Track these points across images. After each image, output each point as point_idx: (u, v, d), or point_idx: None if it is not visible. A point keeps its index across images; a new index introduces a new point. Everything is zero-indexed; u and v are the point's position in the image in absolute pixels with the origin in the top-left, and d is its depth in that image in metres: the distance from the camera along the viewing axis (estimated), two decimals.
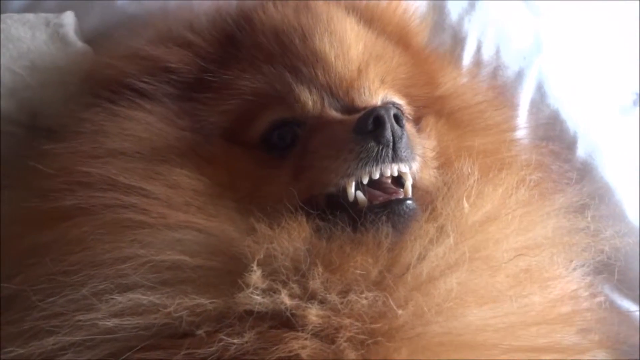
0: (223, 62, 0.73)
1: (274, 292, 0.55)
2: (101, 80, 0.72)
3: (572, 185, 0.88)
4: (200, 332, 0.54)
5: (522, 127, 0.96)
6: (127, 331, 0.55)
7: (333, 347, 0.54)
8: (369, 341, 0.54)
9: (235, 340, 0.53)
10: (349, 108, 0.69)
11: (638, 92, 1.22)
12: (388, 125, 0.62)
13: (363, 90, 0.71)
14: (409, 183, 0.64)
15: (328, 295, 0.55)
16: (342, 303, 0.56)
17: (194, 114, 0.70)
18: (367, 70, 0.72)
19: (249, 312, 0.55)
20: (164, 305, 0.55)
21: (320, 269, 0.57)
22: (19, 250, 0.64)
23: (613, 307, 0.88)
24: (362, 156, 0.61)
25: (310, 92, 0.69)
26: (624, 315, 0.88)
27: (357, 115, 0.65)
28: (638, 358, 0.86)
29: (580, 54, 1.09)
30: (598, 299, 0.77)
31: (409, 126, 0.67)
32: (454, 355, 0.56)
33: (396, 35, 0.82)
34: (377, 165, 0.61)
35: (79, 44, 0.79)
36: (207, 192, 0.64)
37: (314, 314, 0.55)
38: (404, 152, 0.62)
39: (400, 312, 0.55)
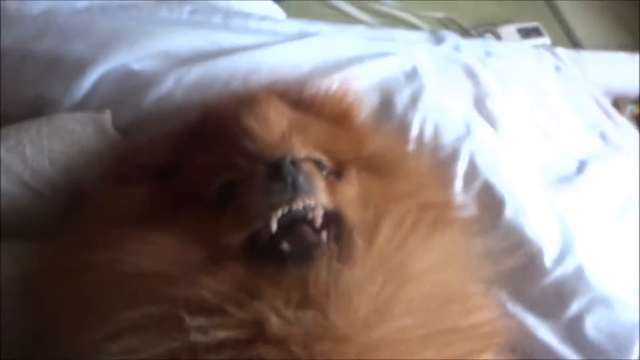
0: (185, 150, 0.93)
1: (210, 329, 0.65)
2: (108, 169, 0.95)
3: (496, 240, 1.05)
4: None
5: (459, 194, 1.14)
6: None
7: (289, 350, 0.64)
8: (315, 345, 0.65)
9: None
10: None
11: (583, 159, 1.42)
12: (285, 168, 0.75)
13: (287, 152, 0.82)
14: (324, 233, 0.77)
15: (283, 311, 0.67)
16: (294, 318, 0.66)
17: (167, 190, 0.88)
18: (289, 136, 0.86)
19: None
20: (145, 347, 0.65)
21: (251, 300, 0.68)
22: (46, 293, 0.77)
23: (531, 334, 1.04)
24: (271, 191, 0.75)
25: (244, 157, 0.83)
26: (539, 341, 1.04)
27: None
28: None
29: (509, 130, 1.32)
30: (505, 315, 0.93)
31: (309, 168, 0.81)
32: (386, 357, 0.66)
33: (329, 115, 1.00)
34: (282, 197, 0.75)
35: (116, 135, 1.02)
36: (173, 246, 0.76)
37: (274, 325, 0.66)
38: (303, 186, 0.76)
39: (337, 322, 0.66)
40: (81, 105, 1.11)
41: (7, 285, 0.85)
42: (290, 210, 0.75)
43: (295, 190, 0.76)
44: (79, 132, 1.00)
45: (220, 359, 0.64)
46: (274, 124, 0.88)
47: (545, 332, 1.06)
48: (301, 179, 0.76)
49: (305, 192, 0.76)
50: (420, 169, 1.05)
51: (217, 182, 0.86)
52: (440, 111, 1.23)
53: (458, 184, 1.17)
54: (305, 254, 0.74)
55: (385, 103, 1.22)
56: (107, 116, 1.05)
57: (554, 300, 1.08)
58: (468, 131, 1.23)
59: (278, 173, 0.76)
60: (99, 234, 0.81)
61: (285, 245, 0.76)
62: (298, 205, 0.76)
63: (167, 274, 0.73)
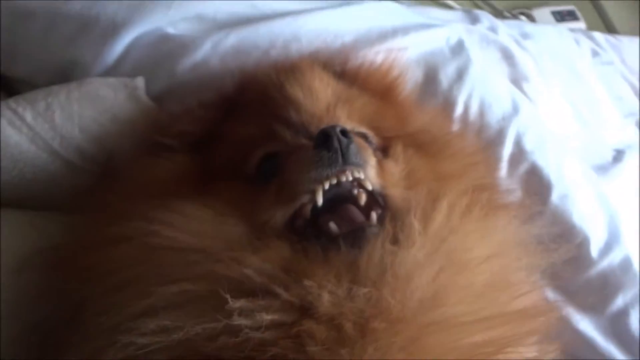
0: (223, 120, 0.90)
1: (255, 312, 0.62)
2: (143, 138, 0.92)
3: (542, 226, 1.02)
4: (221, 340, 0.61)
5: (504, 177, 1.09)
6: (160, 349, 0.62)
7: (339, 328, 0.62)
8: (368, 324, 0.62)
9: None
10: None
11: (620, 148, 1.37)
12: (334, 137, 0.71)
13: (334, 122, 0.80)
14: (374, 214, 0.73)
15: (334, 290, 0.64)
16: (346, 295, 0.64)
17: (204, 161, 0.86)
18: (334, 108, 0.84)
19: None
20: (182, 326, 0.62)
21: (302, 280, 0.65)
22: (76, 267, 0.74)
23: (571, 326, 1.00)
24: (318, 163, 0.72)
25: (287, 128, 0.81)
26: (580, 334, 1.00)
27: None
28: None
29: (555, 113, 1.27)
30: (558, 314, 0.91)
31: (359, 140, 0.78)
32: (438, 340, 0.64)
33: (374, 89, 0.96)
34: (331, 169, 0.72)
35: (149, 102, 0.99)
36: (211, 220, 0.73)
37: (325, 303, 0.63)
38: (353, 157, 0.72)
39: (392, 302, 0.63)
40: (113, 71, 1.07)
41: (31, 258, 0.82)
42: (338, 183, 0.72)
43: (345, 161, 0.72)
44: (111, 98, 0.96)
45: (263, 338, 0.61)
46: (319, 94, 0.85)
47: (587, 327, 1.02)
48: (352, 150, 0.73)
49: (356, 164, 0.73)
50: (467, 149, 1.00)
51: (257, 154, 0.83)
52: (487, 88, 1.18)
53: (503, 166, 1.12)
54: (356, 235, 0.71)
55: (430, 78, 1.16)
56: (140, 82, 1.01)
57: (598, 292, 1.04)
58: (515, 110, 1.17)
59: (327, 142, 0.72)
60: (133, 204, 0.78)
61: (333, 227, 0.72)
62: (347, 177, 0.73)
63: (206, 249, 0.70)
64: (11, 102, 0.94)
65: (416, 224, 0.72)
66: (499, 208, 0.87)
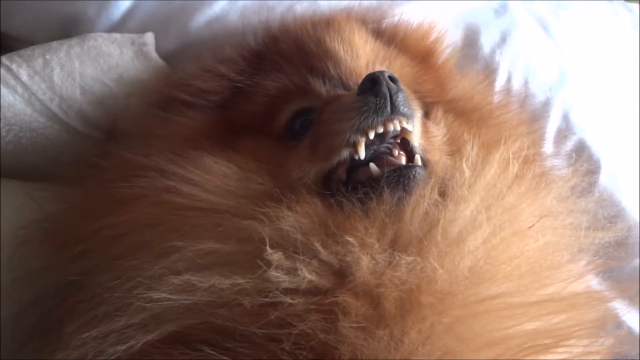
0: (250, 74, 0.83)
1: (294, 269, 0.58)
2: (156, 97, 0.84)
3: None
4: (246, 303, 0.57)
5: (550, 152, 1.00)
6: (181, 308, 0.59)
7: (378, 307, 0.56)
8: (409, 300, 0.57)
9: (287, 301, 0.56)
10: None
11: None
12: (383, 82, 0.66)
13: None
14: (418, 156, 0.68)
15: (375, 253, 0.58)
16: (388, 262, 0.58)
17: (228, 118, 0.79)
18: (373, 66, 0.79)
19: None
20: (210, 285, 0.58)
21: (343, 239, 0.59)
22: (78, 236, 0.68)
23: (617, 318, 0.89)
24: (364, 109, 0.65)
25: (323, 83, 0.76)
26: (625, 327, 0.91)
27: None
28: None
29: (604, 87, 1.15)
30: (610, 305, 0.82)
31: (407, 90, 0.71)
32: (490, 322, 0.58)
33: (412, 51, 0.89)
34: (377, 116, 0.65)
35: (159, 61, 0.89)
36: (234, 176, 0.69)
37: (364, 270, 0.57)
38: (402, 107, 0.66)
39: (439, 272, 0.58)
40: (119, 28, 0.97)
41: (30, 231, 0.75)
42: (384, 133, 0.66)
43: (393, 110, 0.66)
44: (116, 56, 0.86)
45: (292, 308, 0.56)
46: (359, 50, 0.79)
47: (633, 320, 0.94)
48: (401, 98, 0.67)
49: (404, 114, 0.67)
50: (511, 121, 0.91)
51: (289, 109, 0.77)
52: (533, 54, 1.08)
53: (549, 139, 1.03)
54: (401, 175, 0.64)
55: (470, 40, 1.07)
56: (149, 39, 0.90)
57: None
58: (563, 80, 1.07)
59: (374, 88, 0.66)
60: (146, 160, 0.70)
61: (373, 167, 0.65)
62: (395, 126, 0.67)
63: (230, 210, 0.64)
64: (4, 58, 0.85)
65: (468, 173, 0.65)
66: (548, 180, 0.79)
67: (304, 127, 0.73)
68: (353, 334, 0.55)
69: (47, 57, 0.84)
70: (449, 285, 0.59)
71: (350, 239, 0.59)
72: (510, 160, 0.70)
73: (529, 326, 0.60)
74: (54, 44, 0.87)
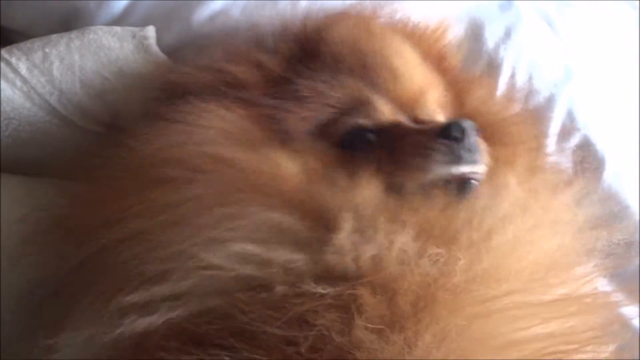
0: (296, 73, 0.80)
1: (359, 246, 0.59)
2: (183, 85, 0.79)
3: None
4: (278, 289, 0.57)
5: (554, 148, 1.00)
6: (215, 285, 0.58)
7: (394, 306, 0.56)
8: (424, 297, 0.57)
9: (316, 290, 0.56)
10: (415, 120, 0.79)
11: None
12: (472, 136, 0.71)
13: (424, 107, 0.80)
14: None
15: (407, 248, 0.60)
16: (417, 256, 0.59)
17: (272, 118, 0.76)
18: (427, 91, 0.81)
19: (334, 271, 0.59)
20: (268, 258, 0.59)
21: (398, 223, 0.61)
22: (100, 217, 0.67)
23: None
24: (450, 158, 0.71)
25: (385, 103, 0.77)
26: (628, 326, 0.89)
27: (436, 124, 0.76)
28: None
29: (610, 84, 1.14)
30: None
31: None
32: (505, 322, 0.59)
33: (436, 61, 0.89)
34: (461, 165, 0.71)
35: (161, 54, 0.88)
36: (301, 171, 0.70)
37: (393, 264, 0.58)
38: (477, 155, 0.72)
39: (461, 262, 0.59)
40: (120, 21, 0.96)
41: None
42: (462, 176, 0.72)
43: (473, 160, 0.72)
44: (117, 49, 0.84)
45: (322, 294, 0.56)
46: (416, 74, 0.82)
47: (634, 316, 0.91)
48: (479, 148, 0.73)
49: (479, 162, 0.73)
50: (524, 137, 0.92)
51: (347, 122, 0.76)
52: (537, 50, 1.06)
53: (552, 136, 1.02)
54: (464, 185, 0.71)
55: (474, 35, 1.05)
56: (150, 32, 0.89)
57: None
58: (568, 76, 1.06)
59: (462, 139, 0.71)
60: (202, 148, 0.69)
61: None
62: (471, 172, 0.72)
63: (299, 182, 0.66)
64: (3, 52, 0.84)
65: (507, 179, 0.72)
66: (558, 187, 0.81)
67: (361, 145, 0.75)
68: (368, 338, 0.54)
69: (47, 50, 0.83)
70: (464, 282, 0.58)
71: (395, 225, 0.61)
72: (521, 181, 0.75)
73: (545, 329, 0.59)
74: (54, 37, 0.86)
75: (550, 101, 1.03)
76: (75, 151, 0.83)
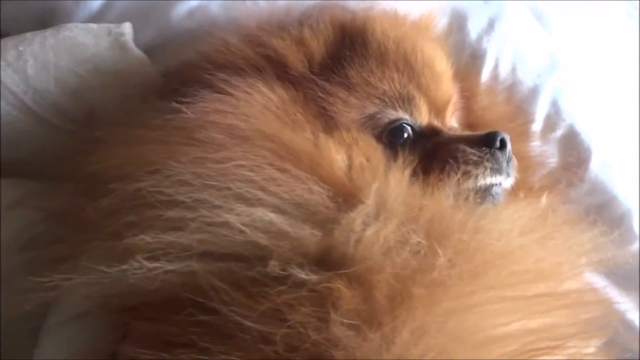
0: (343, 59, 0.81)
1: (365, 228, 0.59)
2: (222, 59, 0.78)
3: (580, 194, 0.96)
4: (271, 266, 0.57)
5: (539, 139, 1.00)
6: (237, 244, 0.58)
7: (369, 299, 0.56)
8: (400, 291, 0.56)
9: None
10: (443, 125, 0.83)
11: None
12: (509, 147, 0.77)
13: (448, 112, 0.84)
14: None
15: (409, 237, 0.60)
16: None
17: (318, 102, 0.77)
18: (451, 98, 0.86)
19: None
20: (285, 230, 0.59)
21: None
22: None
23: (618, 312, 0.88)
24: (494, 167, 0.76)
25: (424, 103, 0.81)
26: (627, 321, 0.90)
27: (476, 133, 0.80)
28: None
29: (596, 73, 1.12)
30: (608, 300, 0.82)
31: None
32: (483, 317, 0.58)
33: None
34: (498, 175, 0.76)
35: (137, 51, 0.86)
36: (345, 159, 0.70)
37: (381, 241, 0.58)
38: (510, 168, 0.78)
39: (441, 259, 0.58)
40: (97, 19, 0.94)
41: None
42: (491, 185, 0.76)
43: (507, 173, 0.78)
44: (91, 46, 0.83)
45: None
46: (449, 78, 0.86)
47: (629, 309, 0.91)
48: (512, 160, 0.78)
49: (509, 174, 0.78)
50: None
51: (387, 115, 0.79)
52: (521, 40, 1.05)
53: (537, 127, 1.01)
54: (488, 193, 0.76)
55: (457, 26, 1.04)
56: (127, 28, 0.88)
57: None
58: (553, 66, 1.05)
59: (499, 147, 0.77)
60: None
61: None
62: (504, 183, 0.78)
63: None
64: None
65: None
66: (540, 189, 0.84)
67: (400, 139, 0.78)
68: (344, 334, 0.53)
69: (21, 48, 0.82)
70: (442, 277, 0.57)
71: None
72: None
73: (528, 324, 0.59)
74: (28, 35, 0.85)
75: (534, 91, 1.02)
76: (51, 150, 0.82)
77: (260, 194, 0.61)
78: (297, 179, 0.63)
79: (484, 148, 0.76)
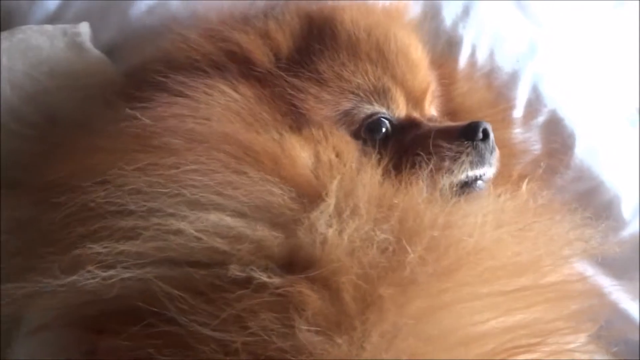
0: (310, 54, 0.77)
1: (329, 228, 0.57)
2: (182, 56, 0.75)
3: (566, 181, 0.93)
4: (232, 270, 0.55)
5: (521, 126, 0.97)
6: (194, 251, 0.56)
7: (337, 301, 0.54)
8: (369, 292, 0.54)
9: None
10: (422, 116, 0.80)
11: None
12: (492, 137, 0.74)
13: (426, 102, 0.81)
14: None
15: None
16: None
17: (287, 99, 0.73)
18: (429, 87, 0.82)
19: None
20: (243, 234, 0.57)
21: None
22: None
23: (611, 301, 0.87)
24: (476, 159, 0.73)
25: (401, 95, 0.77)
26: (618, 309, 0.88)
27: (457, 124, 0.77)
28: (639, 357, 0.85)
29: (577, 57, 1.10)
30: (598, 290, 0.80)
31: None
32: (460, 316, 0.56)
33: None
34: (482, 167, 0.74)
35: (95, 51, 0.84)
36: (311, 159, 0.68)
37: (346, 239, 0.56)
38: (492, 158, 0.74)
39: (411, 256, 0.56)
40: (56, 20, 0.91)
41: None
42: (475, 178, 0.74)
43: (490, 163, 0.75)
44: (46, 48, 0.81)
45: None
46: (425, 66, 0.83)
47: (621, 296, 0.89)
48: (495, 150, 0.75)
49: (491, 164, 0.75)
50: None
51: (363, 110, 0.76)
52: (498, 25, 1.02)
53: (518, 113, 0.98)
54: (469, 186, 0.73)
55: (431, 14, 1.01)
56: (83, 28, 0.85)
57: (631, 257, 0.91)
58: (532, 51, 1.02)
59: (482, 139, 0.74)
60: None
61: None
62: (485, 173, 0.75)
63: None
64: None
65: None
66: (519, 178, 0.81)
67: (378, 134, 0.76)
68: (310, 340, 0.51)
69: None
70: (413, 274, 0.55)
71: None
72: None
73: (506, 321, 0.57)
74: None
75: (513, 77, 0.99)
76: (11, 156, 0.79)
77: (216, 198, 0.58)
78: (256, 180, 0.60)
79: (465, 141, 0.73)
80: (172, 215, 0.57)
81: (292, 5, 0.84)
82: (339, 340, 0.51)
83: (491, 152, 0.74)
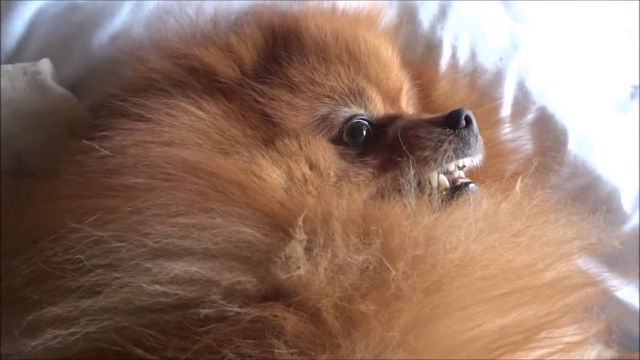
0: (279, 60, 0.75)
1: (313, 259, 0.55)
2: (142, 78, 0.72)
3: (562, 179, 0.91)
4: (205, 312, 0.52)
5: (510, 125, 0.94)
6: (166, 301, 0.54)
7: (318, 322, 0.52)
8: (353, 311, 0.52)
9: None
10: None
11: (638, 85, 1.22)
12: (474, 123, 0.72)
13: (402, 101, 0.80)
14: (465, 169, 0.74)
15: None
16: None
17: (258, 110, 0.70)
18: (403, 86, 0.81)
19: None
20: (213, 279, 0.54)
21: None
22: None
23: (612, 296, 0.86)
24: (460, 146, 0.71)
25: (377, 94, 0.75)
26: (623, 305, 0.87)
27: (439, 115, 0.74)
28: (639, 350, 0.83)
29: (560, 48, 1.07)
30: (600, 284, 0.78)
31: None
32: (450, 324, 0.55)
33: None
34: (468, 154, 0.72)
35: (58, 88, 0.80)
36: (284, 179, 0.65)
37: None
38: (478, 146, 0.73)
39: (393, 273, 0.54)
40: (18, 56, 0.87)
41: None
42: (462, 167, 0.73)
43: (477, 150, 0.73)
44: (8, 90, 0.77)
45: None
46: (397, 65, 0.81)
47: (626, 293, 0.88)
48: (479, 137, 0.74)
49: (477, 153, 0.74)
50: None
51: (340, 113, 0.73)
52: (478, 24, 0.99)
53: (506, 112, 0.95)
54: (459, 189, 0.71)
55: (407, 19, 0.98)
56: (44, 65, 0.81)
57: (635, 250, 0.89)
58: (515, 47, 0.99)
59: (465, 126, 0.72)
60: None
61: (443, 179, 0.72)
62: (472, 163, 0.74)
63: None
64: None
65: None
66: (513, 176, 0.77)
67: (359, 136, 0.74)
68: None
69: None
70: (398, 291, 0.53)
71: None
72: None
73: (495, 324, 0.55)
74: None
75: (497, 76, 0.96)
76: None
77: (182, 243, 0.55)
78: (224, 218, 0.57)
79: (447, 129, 0.71)
80: (135, 267, 0.54)
81: (251, 18, 0.81)
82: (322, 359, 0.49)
83: (476, 138, 0.72)
